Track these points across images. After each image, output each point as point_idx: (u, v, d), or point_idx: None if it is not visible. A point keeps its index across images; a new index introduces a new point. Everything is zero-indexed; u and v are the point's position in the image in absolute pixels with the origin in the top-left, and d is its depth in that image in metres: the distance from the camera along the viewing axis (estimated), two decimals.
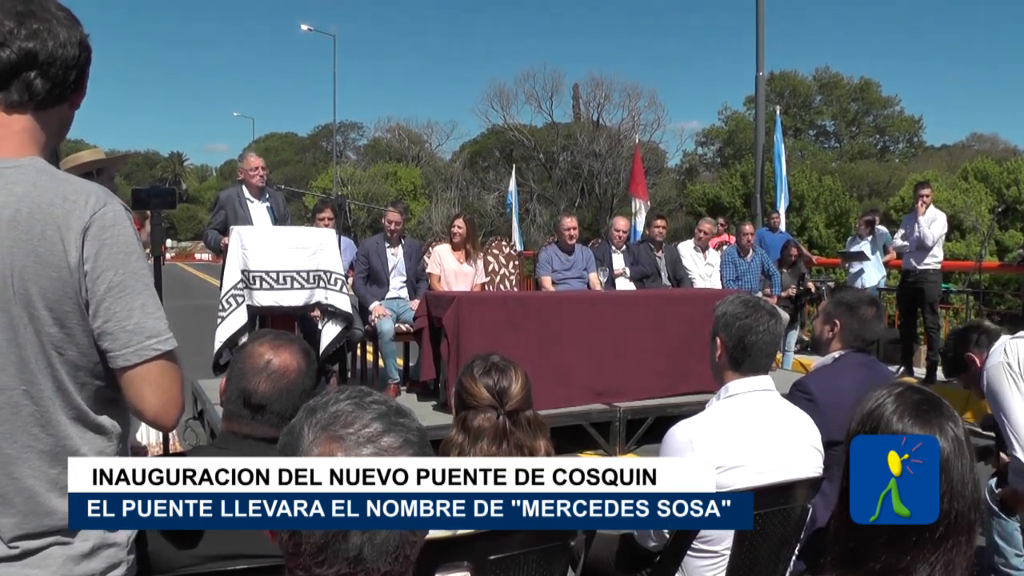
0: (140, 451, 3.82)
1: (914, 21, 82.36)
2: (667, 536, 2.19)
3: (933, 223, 7.61)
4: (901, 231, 8.04)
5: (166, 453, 3.80)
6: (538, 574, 1.87)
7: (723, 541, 2.16)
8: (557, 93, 44.71)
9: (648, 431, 5.79)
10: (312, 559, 0.98)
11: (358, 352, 6.60)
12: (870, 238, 8.94)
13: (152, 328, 1.46)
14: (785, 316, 7.94)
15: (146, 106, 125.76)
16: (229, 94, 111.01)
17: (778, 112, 13.30)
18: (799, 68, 50.49)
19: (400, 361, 6.52)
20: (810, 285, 8.39)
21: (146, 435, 3.97)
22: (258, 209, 5.91)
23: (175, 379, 1.51)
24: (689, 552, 2.16)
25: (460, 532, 1.67)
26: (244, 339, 4.36)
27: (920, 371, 7.87)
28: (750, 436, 2.21)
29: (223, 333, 5.11)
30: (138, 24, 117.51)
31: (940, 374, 7.71)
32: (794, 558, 2.30)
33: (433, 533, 1.09)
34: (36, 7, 1.43)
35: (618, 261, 7.52)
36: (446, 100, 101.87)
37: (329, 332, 5.48)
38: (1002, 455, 3.05)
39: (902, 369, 7.96)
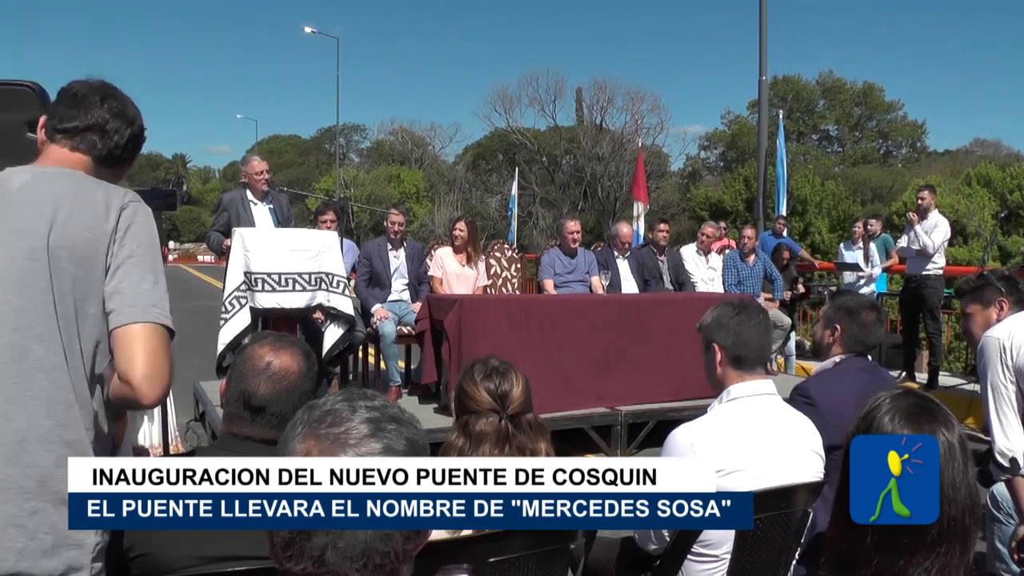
0: (141, 452, 3.83)
1: (917, 26, 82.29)
2: (667, 539, 2.19)
3: (935, 230, 7.59)
4: (905, 236, 8.03)
5: (167, 455, 3.80)
6: None
7: (723, 545, 2.15)
8: (560, 96, 44.77)
9: (649, 435, 5.78)
10: (282, 552, 1.00)
11: (360, 354, 6.59)
12: (870, 246, 8.93)
13: (159, 300, 1.63)
14: (788, 321, 7.94)
15: (149, 108, 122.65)
16: (232, 96, 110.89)
17: (781, 116, 13.35)
18: (802, 72, 50.21)
19: (401, 364, 6.51)
20: (800, 287, 8.38)
21: (148, 437, 3.96)
22: (261, 211, 5.91)
23: (166, 352, 1.60)
24: (689, 556, 2.16)
25: (460, 533, 1.67)
26: (247, 341, 4.36)
27: (922, 376, 7.86)
28: (752, 440, 2.21)
29: (226, 335, 5.11)
30: (141, 25, 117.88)
31: (942, 380, 7.72)
32: (794, 562, 2.30)
33: (433, 534, 1.09)
34: (118, 94, 1.83)
35: (624, 268, 7.49)
36: (449, 103, 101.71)
37: (332, 334, 5.49)
38: None
39: (904, 374, 7.94)
